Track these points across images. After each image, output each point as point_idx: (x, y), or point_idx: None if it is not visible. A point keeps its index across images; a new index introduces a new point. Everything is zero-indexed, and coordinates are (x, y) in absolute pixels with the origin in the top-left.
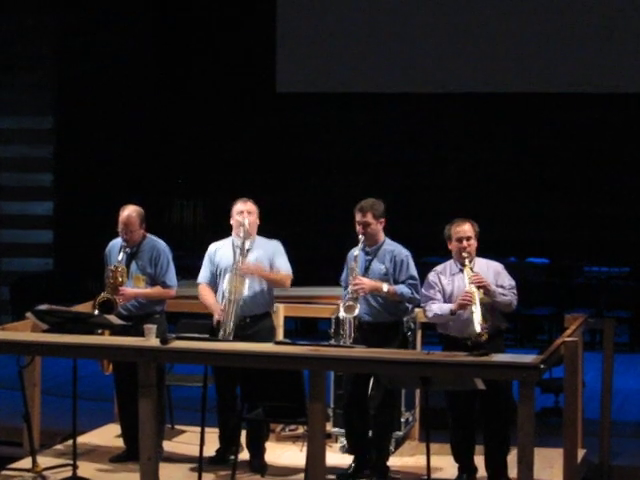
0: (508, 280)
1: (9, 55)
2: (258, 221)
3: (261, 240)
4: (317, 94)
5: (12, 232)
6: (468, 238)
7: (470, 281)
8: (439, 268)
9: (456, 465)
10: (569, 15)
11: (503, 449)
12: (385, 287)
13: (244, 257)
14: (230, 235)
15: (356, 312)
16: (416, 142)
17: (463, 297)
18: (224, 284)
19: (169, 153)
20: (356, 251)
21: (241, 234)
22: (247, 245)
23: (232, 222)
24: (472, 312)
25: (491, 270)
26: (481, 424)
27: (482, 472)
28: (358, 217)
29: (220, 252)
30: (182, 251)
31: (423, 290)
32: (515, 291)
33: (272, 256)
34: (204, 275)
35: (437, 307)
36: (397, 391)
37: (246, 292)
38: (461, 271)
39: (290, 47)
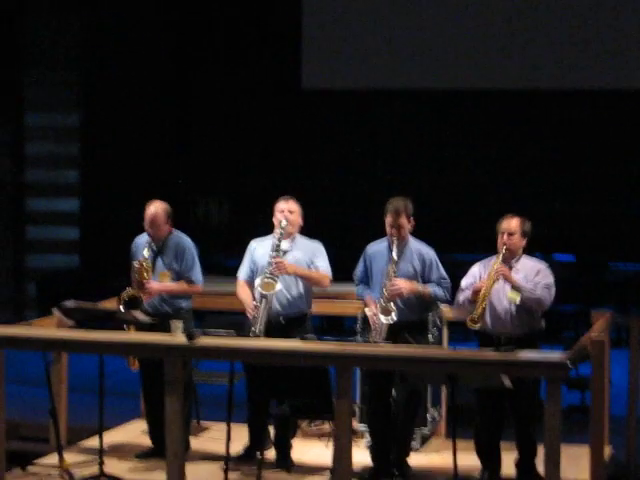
0: (545, 279)
1: (36, 53)
2: (300, 220)
3: (302, 240)
4: (343, 91)
5: (38, 229)
6: (510, 234)
7: (493, 272)
8: (485, 260)
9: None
10: (601, 11)
11: (530, 447)
12: (421, 288)
13: (278, 256)
14: (260, 232)
15: (394, 315)
16: (443, 139)
17: (476, 284)
18: (257, 282)
19: (194, 150)
20: (384, 251)
21: (277, 234)
22: (286, 246)
23: (274, 220)
24: (479, 302)
25: (533, 269)
26: (508, 423)
27: (505, 470)
28: (392, 219)
29: (259, 250)
30: (207, 248)
31: (463, 280)
32: (550, 290)
33: (312, 257)
34: (243, 271)
35: (461, 295)
36: (423, 388)
37: (278, 287)
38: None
39: (316, 43)
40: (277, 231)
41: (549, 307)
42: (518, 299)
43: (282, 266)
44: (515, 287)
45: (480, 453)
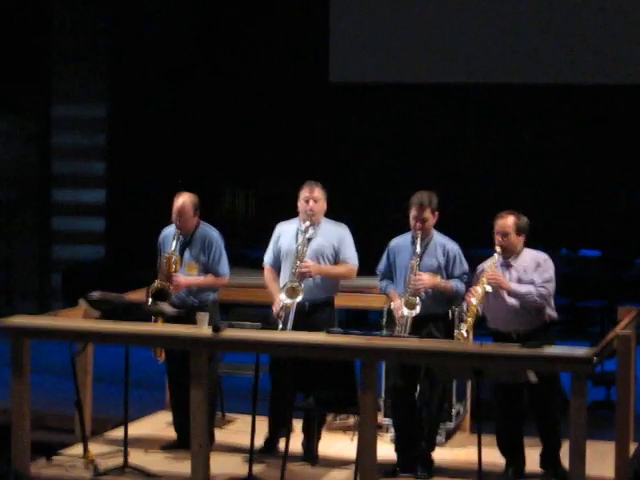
0: (544, 274)
1: (63, 44)
2: (325, 206)
3: (327, 225)
4: (371, 84)
5: (64, 220)
6: (504, 234)
7: (485, 279)
8: (486, 262)
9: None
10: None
11: (554, 442)
12: (443, 283)
13: (302, 256)
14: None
15: (418, 309)
16: (470, 132)
17: (467, 293)
18: (281, 296)
19: (221, 142)
20: (408, 245)
21: (305, 222)
22: (310, 233)
23: (299, 206)
24: (474, 308)
25: (533, 262)
26: (530, 417)
27: (530, 466)
28: (416, 212)
29: (285, 235)
30: (233, 240)
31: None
32: (550, 285)
33: (338, 244)
34: (268, 257)
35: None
36: (448, 383)
37: (300, 297)
38: (504, 265)
39: (344, 36)
40: (302, 225)
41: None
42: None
43: (308, 271)
44: (510, 294)
45: (502, 449)
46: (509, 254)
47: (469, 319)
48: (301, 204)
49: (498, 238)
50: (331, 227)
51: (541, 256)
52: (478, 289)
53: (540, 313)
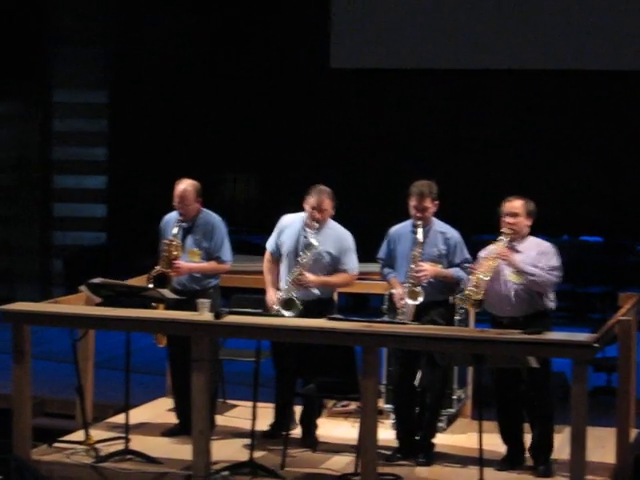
0: (550, 261)
1: (64, 30)
2: (332, 212)
3: (332, 230)
4: (372, 70)
5: (66, 206)
6: (514, 215)
7: (494, 253)
8: (491, 246)
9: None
10: None
11: (546, 431)
12: (444, 272)
13: (303, 268)
14: (288, 210)
15: (420, 299)
16: (470, 119)
17: (474, 268)
18: (281, 290)
19: (222, 128)
20: (408, 233)
21: (309, 227)
22: (313, 237)
23: (305, 207)
24: (479, 279)
25: (537, 249)
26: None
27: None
28: (416, 202)
29: (288, 231)
30: (235, 226)
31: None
32: (555, 272)
33: (339, 254)
34: (271, 245)
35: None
36: (449, 368)
37: (298, 310)
38: (509, 248)
39: (345, 22)
40: (309, 226)
41: (554, 288)
42: (521, 279)
43: (306, 282)
44: (517, 271)
45: (503, 435)
46: (516, 236)
47: (478, 292)
48: (307, 209)
49: (508, 220)
50: (335, 235)
51: (546, 244)
52: (486, 264)
53: (536, 301)
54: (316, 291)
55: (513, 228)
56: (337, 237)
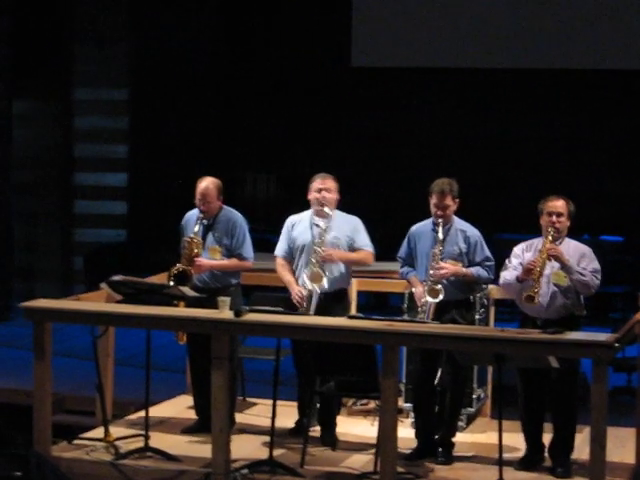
0: (591, 264)
1: (85, 27)
2: (338, 196)
3: (340, 217)
4: (393, 68)
5: (86, 203)
6: (559, 214)
7: (545, 250)
8: (528, 242)
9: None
10: None
11: (568, 432)
12: (464, 270)
13: (322, 243)
14: (308, 208)
15: (441, 296)
16: (491, 118)
17: (529, 262)
18: (304, 276)
19: (243, 126)
20: (429, 232)
21: (319, 214)
22: (324, 225)
23: (310, 197)
24: (535, 279)
25: (577, 251)
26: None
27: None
28: (437, 200)
29: (298, 227)
30: (256, 224)
31: (507, 260)
32: (598, 275)
33: (352, 234)
34: (281, 248)
35: (508, 273)
36: (469, 368)
37: (326, 285)
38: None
39: (366, 20)
40: (318, 212)
41: (594, 292)
42: (566, 281)
43: (330, 258)
44: (566, 268)
45: (525, 433)
46: (558, 237)
47: (536, 285)
48: (313, 195)
49: (552, 219)
50: (344, 219)
51: (585, 247)
52: (540, 259)
53: (572, 305)
54: (336, 283)
55: (557, 227)
56: (346, 221)
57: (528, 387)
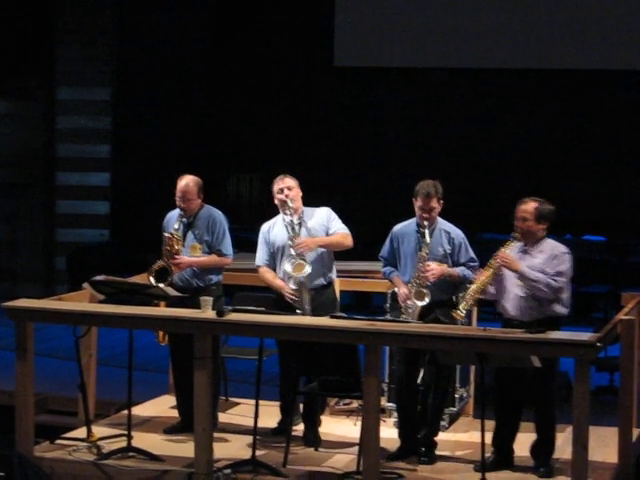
0: (557, 266)
1: (69, 27)
2: (300, 192)
3: (309, 210)
4: (376, 68)
5: (69, 203)
6: (524, 219)
7: (495, 260)
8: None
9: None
10: None
11: (549, 432)
12: (450, 271)
13: (296, 236)
14: (278, 213)
15: (427, 299)
16: (474, 118)
17: (477, 272)
18: (286, 269)
19: (226, 126)
20: (412, 232)
21: (288, 212)
22: (297, 221)
23: (276, 201)
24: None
25: (551, 252)
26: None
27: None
28: (423, 202)
29: (273, 230)
30: (238, 224)
31: None
32: (559, 278)
33: (326, 222)
34: (262, 257)
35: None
36: (451, 367)
37: (309, 270)
38: (521, 250)
39: (349, 20)
40: (286, 210)
41: (565, 294)
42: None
43: (305, 245)
44: (519, 276)
45: (496, 436)
46: (528, 240)
47: (468, 296)
48: (276, 198)
49: (517, 223)
50: (314, 211)
51: (560, 248)
52: (487, 270)
53: (545, 306)
54: (320, 279)
55: (522, 232)
56: (318, 213)
57: (503, 389)
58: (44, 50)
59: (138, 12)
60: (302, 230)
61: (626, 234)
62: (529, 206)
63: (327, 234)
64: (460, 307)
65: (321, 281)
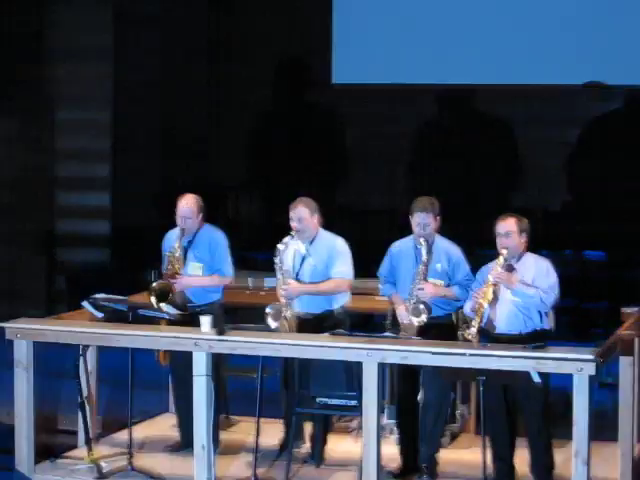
0: (548, 280)
1: (67, 48)
2: (313, 219)
3: (321, 242)
4: (373, 85)
5: (69, 222)
6: (507, 234)
7: (492, 279)
8: (491, 264)
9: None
10: None
11: (543, 446)
12: (444, 291)
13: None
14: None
15: (424, 316)
16: (471, 134)
17: (474, 294)
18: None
19: (225, 144)
20: (410, 250)
21: (300, 246)
22: (304, 250)
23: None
24: (483, 309)
25: (535, 268)
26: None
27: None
28: (420, 219)
29: (284, 253)
30: (238, 242)
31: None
32: (551, 292)
33: (329, 261)
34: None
35: (468, 305)
36: (452, 384)
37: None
38: (504, 267)
39: (347, 38)
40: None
41: (551, 308)
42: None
43: (287, 293)
44: (514, 292)
45: (495, 452)
46: (513, 255)
47: (477, 319)
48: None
49: (502, 239)
50: (326, 242)
51: (543, 262)
52: (486, 290)
53: (532, 321)
54: (324, 303)
55: (507, 247)
56: (326, 245)
57: (495, 407)
58: (43, 71)
59: (137, 31)
60: (304, 264)
61: (626, 250)
62: (510, 221)
63: (327, 270)
64: (471, 330)
65: (318, 309)
